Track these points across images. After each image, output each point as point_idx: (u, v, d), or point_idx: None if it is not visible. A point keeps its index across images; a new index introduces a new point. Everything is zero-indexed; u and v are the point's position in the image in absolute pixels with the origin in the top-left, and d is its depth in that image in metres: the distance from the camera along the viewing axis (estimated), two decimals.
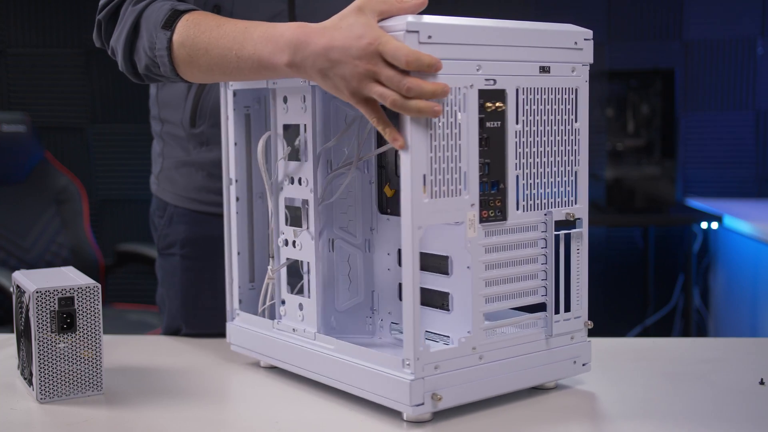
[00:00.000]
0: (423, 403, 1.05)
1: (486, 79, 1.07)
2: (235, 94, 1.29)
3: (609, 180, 3.28)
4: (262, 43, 1.10)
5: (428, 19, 1.02)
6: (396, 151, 1.21)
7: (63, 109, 3.65)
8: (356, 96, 1.03)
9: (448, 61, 1.02)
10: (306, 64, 1.06)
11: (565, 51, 1.16)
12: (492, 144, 1.10)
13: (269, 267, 1.26)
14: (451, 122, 1.04)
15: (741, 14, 3.58)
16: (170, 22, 1.20)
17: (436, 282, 1.16)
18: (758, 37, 3.57)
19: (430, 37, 1.01)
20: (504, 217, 1.11)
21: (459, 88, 1.04)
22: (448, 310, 1.15)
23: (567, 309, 1.19)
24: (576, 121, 1.17)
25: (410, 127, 1.01)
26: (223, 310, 1.40)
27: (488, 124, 1.09)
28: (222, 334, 1.41)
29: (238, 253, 1.32)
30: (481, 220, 1.09)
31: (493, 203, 1.10)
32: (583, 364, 1.21)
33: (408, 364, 1.04)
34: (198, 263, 1.54)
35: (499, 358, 1.12)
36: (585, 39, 1.18)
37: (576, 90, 1.17)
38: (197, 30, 1.17)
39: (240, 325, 1.32)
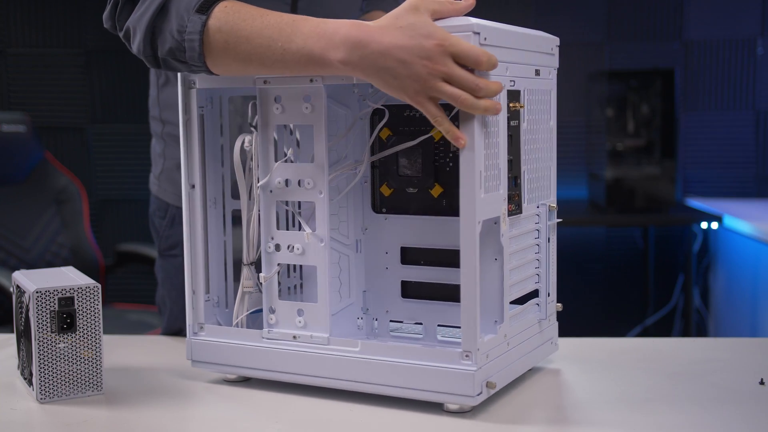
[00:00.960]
0: (481, 392, 1.09)
1: (510, 80, 1.13)
2: None
3: (609, 180, 3.28)
4: (314, 38, 1.08)
5: (485, 23, 1.06)
6: (398, 152, 1.21)
7: (63, 109, 3.65)
8: (421, 95, 1.04)
9: None
10: (365, 62, 1.05)
11: (547, 56, 1.24)
12: (513, 142, 1.16)
13: (261, 275, 1.21)
14: (494, 121, 1.09)
15: (741, 14, 3.58)
16: (206, 6, 1.14)
17: (449, 276, 1.21)
18: (758, 37, 3.57)
19: (485, 39, 1.05)
20: (521, 210, 1.19)
21: None
22: None
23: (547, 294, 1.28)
24: (550, 120, 1.26)
25: (475, 126, 1.05)
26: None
27: (512, 123, 1.15)
28: None
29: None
30: (508, 213, 1.15)
31: (513, 198, 1.17)
32: (555, 344, 1.31)
33: (467, 356, 1.08)
34: None
35: (516, 344, 1.18)
36: (556, 45, 1.27)
37: (551, 92, 1.26)
38: (237, 17, 1.13)
39: (209, 339, 1.25)
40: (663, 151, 3.27)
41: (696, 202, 3.45)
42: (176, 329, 1.56)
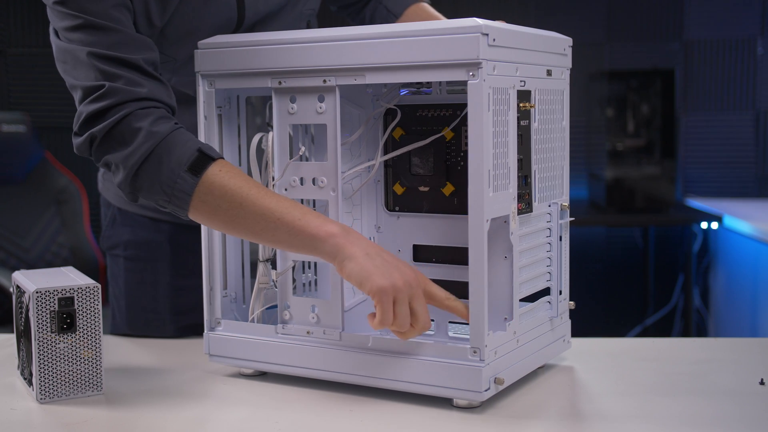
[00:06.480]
0: (489, 388, 1.10)
1: (520, 81, 1.14)
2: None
3: (609, 180, 3.28)
4: (312, 215, 1.12)
5: (494, 24, 1.08)
6: (410, 151, 1.23)
7: (63, 109, 3.65)
8: (386, 295, 1.09)
9: (502, 63, 1.09)
10: (358, 241, 1.11)
11: (559, 56, 1.25)
12: (523, 141, 1.17)
13: (275, 271, 1.23)
14: (502, 120, 1.10)
15: (741, 14, 3.58)
16: (199, 166, 1.15)
17: (460, 274, 1.22)
18: (758, 37, 3.57)
19: (494, 39, 1.07)
20: (531, 209, 1.19)
21: (507, 89, 1.11)
22: None
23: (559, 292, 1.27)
24: (563, 120, 1.26)
25: (483, 125, 1.06)
26: (164, 314, 1.45)
27: (522, 123, 1.16)
28: (163, 337, 1.45)
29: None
30: (518, 212, 1.16)
31: (523, 197, 1.18)
32: (567, 342, 1.31)
33: (475, 352, 1.09)
34: (140, 265, 1.52)
35: (526, 341, 1.19)
36: (569, 46, 1.28)
37: (563, 92, 1.26)
38: (232, 183, 1.14)
39: (226, 333, 1.26)
40: (663, 151, 3.27)
41: (696, 202, 3.45)
42: (123, 329, 1.54)
